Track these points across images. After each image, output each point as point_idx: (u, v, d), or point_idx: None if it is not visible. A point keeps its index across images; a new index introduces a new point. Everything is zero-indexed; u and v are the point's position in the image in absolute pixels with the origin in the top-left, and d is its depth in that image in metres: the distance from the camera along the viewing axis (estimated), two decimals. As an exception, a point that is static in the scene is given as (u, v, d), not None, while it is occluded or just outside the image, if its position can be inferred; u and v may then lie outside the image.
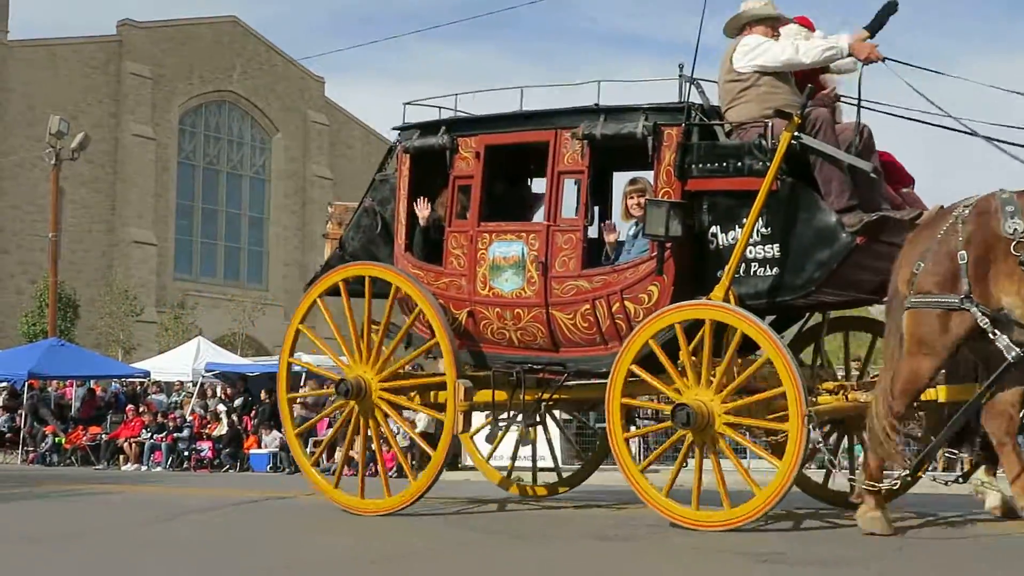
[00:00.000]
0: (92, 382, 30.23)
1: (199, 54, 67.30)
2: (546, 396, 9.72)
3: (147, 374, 30.25)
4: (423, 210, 9.63)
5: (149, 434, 25.24)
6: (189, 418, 25.91)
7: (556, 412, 11.92)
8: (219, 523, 9.55)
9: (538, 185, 10.47)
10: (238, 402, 25.96)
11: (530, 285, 8.97)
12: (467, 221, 9.37)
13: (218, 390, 28.54)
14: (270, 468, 23.15)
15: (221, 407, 26.12)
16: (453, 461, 21.62)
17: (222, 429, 24.90)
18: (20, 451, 26.60)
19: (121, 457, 25.32)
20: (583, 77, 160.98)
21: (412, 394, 9.89)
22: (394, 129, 10.21)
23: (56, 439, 26.38)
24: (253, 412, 25.17)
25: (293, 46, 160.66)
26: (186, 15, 68.80)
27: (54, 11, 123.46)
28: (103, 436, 26.15)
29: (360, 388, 9.56)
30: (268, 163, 71.39)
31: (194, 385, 29.60)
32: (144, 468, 24.34)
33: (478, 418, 10.57)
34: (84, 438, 26.21)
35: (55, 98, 59.00)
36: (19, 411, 27.87)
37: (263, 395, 25.50)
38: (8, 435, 27.79)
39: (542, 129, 9.23)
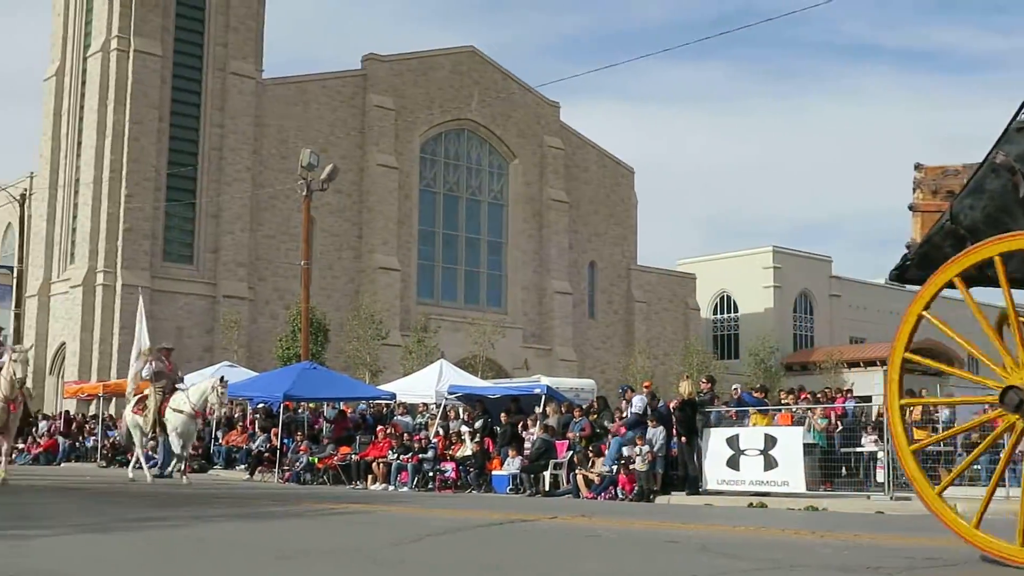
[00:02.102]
0: (342, 403, 31.35)
1: (438, 84, 69.33)
2: None
3: (393, 396, 31.13)
4: None
5: (396, 455, 25.91)
6: (433, 439, 26.47)
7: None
8: (466, 545, 9.68)
9: None
10: (479, 424, 26.38)
11: None
12: None
13: (460, 412, 29.09)
14: (510, 489, 23.44)
15: (464, 428, 26.60)
16: (693, 485, 21.41)
17: (465, 450, 25.36)
18: (277, 470, 27.81)
19: (370, 477, 26.09)
20: (828, 89, 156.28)
21: None
22: None
23: (310, 459, 27.43)
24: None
25: (528, 72, 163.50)
26: (426, 47, 70.91)
27: (303, 49, 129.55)
28: (353, 456, 27.03)
29: None
30: (506, 188, 72.72)
31: (437, 407, 30.28)
32: (391, 488, 25.01)
33: None
34: (335, 458, 27.15)
35: (305, 132, 62.01)
36: (275, 431, 29.17)
37: (503, 417, 25.91)
38: (266, 455, 29.13)
39: None
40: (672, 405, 22.94)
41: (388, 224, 65.37)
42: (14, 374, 19.45)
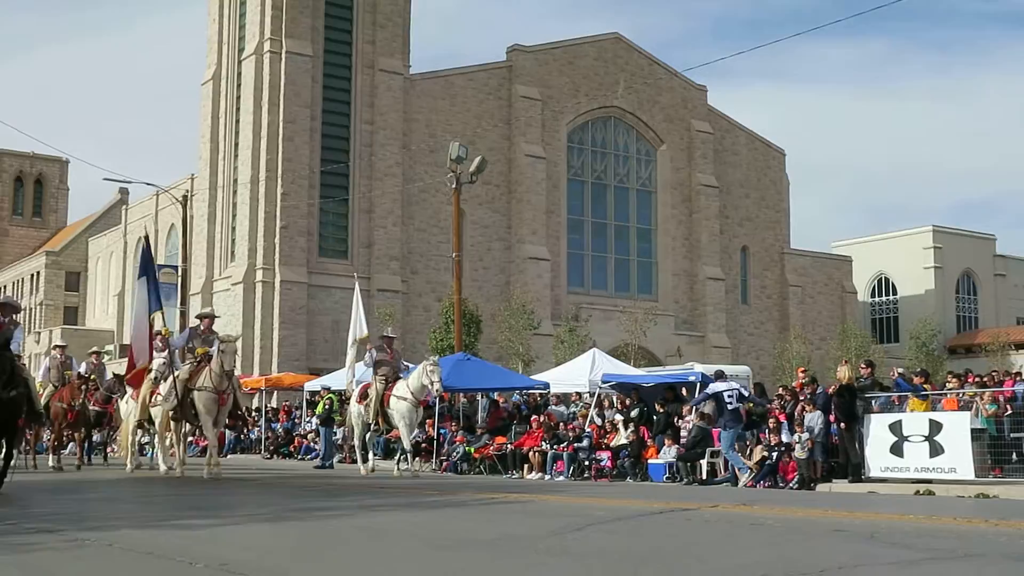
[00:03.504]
0: (495, 394, 31.55)
1: (584, 72, 69.23)
2: None
3: (547, 386, 31.20)
4: None
5: (550, 444, 25.96)
6: (588, 429, 26.45)
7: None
8: (628, 534, 9.64)
9: None
10: (634, 413, 26.24)
11: None
12: None
13: (614, 400, 28.98)
14: (667, 478, 23.28)
15: (618, 417, 26.51)
16: (856, 472, 20.92)
17: (620, 439, 25.27)
18: (434, 460, 28.18)
19: (525, 466, 26.19)
20: (989, 62, 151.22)
21: None
22: None
23: (466, 448, 27.71)
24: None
25: (674, 56, 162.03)
26: (571, 35, 70.90)
27: (449, 43, 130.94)
28: (508, 446, 27.19)
29: None
30: (654, 174, 72.23)
31: (591, 396, 30.23)
32: (547, 477, 25.07)
33: None
34: (491, 448, 27.36)
35: (453, 125, 62.69)
36: (431, 422, 29.52)
37: (657, 405, 25.73)
38: (423, 445, 29.54)
39: None
40: (830, 391, 22.44)
41: (537, 214, 65.59)
42: (222, 365, 19.33)
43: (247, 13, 62.67)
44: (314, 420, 34.29)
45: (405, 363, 25.16)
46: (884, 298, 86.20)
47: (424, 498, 14.14)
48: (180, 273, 51.22)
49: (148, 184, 56.37)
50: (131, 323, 22.19)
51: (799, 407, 22.65)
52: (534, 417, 28.24)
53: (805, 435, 21.30)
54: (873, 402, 21.74)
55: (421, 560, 7.80)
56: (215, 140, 63.81)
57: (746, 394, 23.10)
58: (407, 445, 23.23)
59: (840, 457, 21.74)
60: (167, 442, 22.99)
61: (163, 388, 21.01)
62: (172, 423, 21.38)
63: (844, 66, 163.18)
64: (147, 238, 24.13)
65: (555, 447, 25.78)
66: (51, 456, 25.81)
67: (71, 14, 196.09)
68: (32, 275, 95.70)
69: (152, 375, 21.71)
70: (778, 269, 76.65)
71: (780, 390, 25.99)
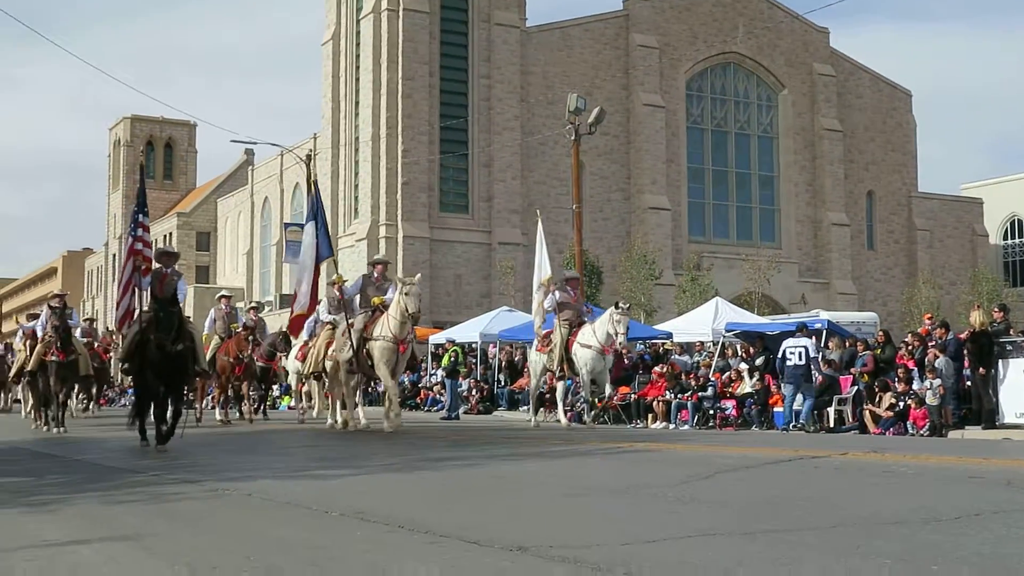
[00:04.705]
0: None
1: (702, 19, 68.21)
2: None
3: (670, 335, 31.15)
4: None
5: (674, 394, 25.95)
6: (712, 377, 26.35)
7: None
8: (758, 482, 9.63)
9: None
10: (759, 361, 26.04)
11: None
12: None
13: (738, 349, 28.79)
14: (794, 427, 23.10)
15: (743, 366, 26.35)
16: (989, 419, 20.47)
17: (744, 387, 25.14)
18: (559, 409, 28.33)
19: (650, 416, 26.25)
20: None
21: None
22: None
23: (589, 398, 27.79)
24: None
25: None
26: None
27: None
28: (632, 395, 27.25)
29: None
30: (775, 120, 71.00)
31: (715, 345, 30.08)
32: (672, 426, 25.09)
33: None
34: (615, 398, 27.43)
35: (570, 76, 62.42)
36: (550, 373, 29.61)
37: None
38: (547, 396, 29.72)
39: None
40: (963, 336, 21.96)
41: (656, 163, 65.10)
42: (406, 308, 17.78)
43: (364, -29, 63.19)
44: (440, 372, 34.77)
45: (589, 306, 23.82)
46: (1017, 240, 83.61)
47: (551, 447, 14.28)
48: (305, 231, 52.12)
49: (273, 144, 57.59)
50: (296, 269, 21.52)
51: (929, 354, 22.24)
52: (656, 368, 28.21)
53: (937, 381, 20.91)
54: (1008, 347, 21.22)
55: (553, 507, 7.92)
56: (336, 99, 64.65)
57: (813, 354, 23.01)
58: (586, 394, 22.30)
59: (972, 404, 21.30)
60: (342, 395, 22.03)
61: (336, 339, 20.07)
62: (346, 376, 20.05)
63: (969, 2, 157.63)
64: (316, 182, 23.73)
65: (679, 396, 25.77)
66: (217, 410, 25.67)
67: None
68: (165, 236, 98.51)
69: (327, 325, 21.06)
70: (905, 213, 74.88)
71: (908, 336, 25.54)
